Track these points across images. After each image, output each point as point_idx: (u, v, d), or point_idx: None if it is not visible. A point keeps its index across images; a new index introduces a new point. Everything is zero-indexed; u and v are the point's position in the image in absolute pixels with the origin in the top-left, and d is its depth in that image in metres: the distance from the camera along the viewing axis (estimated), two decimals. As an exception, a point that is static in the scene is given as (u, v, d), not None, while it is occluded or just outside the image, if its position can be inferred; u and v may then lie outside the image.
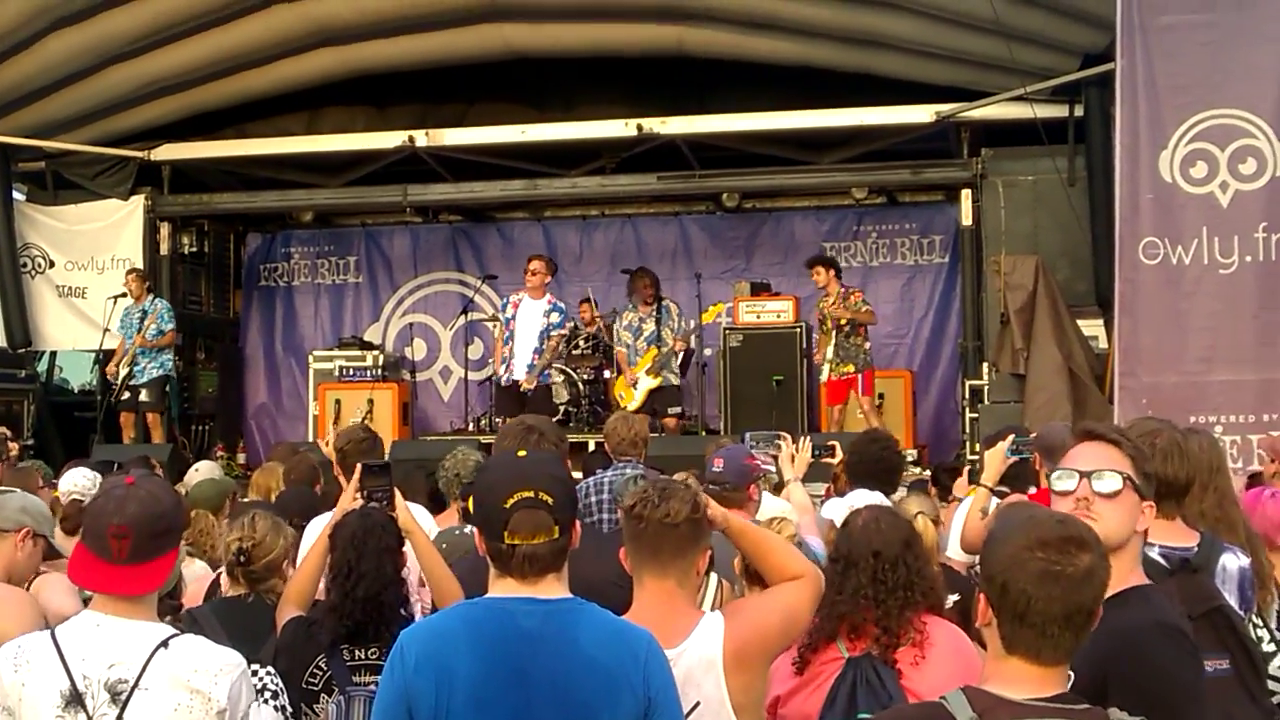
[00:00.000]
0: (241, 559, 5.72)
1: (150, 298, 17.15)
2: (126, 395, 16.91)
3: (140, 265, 17.76)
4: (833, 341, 15.69)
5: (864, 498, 6.59)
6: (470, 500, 4.09)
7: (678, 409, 16.52)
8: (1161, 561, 4.53)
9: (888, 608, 4.80)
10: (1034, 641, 3.24)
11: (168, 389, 17.23)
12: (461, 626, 3.82)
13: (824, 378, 15.99)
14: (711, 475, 6.92)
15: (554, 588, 3.82)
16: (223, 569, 6.61)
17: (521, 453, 4.01)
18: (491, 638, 3.75)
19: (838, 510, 6.58)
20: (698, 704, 4.28)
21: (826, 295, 15.93)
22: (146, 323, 16.85)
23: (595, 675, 3.72)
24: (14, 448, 14.56)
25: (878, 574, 4.84)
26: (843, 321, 15.65)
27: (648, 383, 16.31)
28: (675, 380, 16.57)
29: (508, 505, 3.77)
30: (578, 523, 3.92)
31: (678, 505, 4.36)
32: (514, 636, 3.74)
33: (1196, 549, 4.67)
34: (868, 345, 15.97)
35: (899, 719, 3.53)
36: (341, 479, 8.06)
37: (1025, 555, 3.23)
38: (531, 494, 3.77)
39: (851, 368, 15.69)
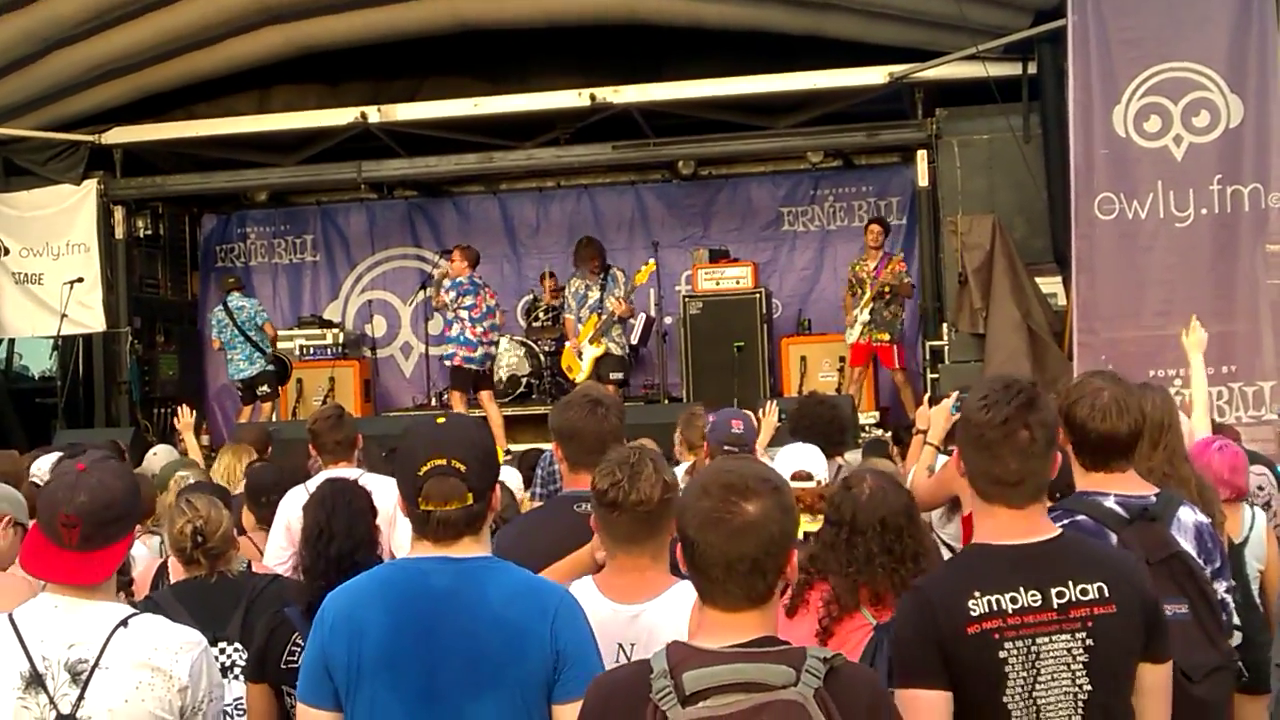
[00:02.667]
0: (199, 540, 5.69)
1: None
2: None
3: (95, 249, 17.73)
4: (871, 305, 15.84)
5: (799, 451, 6.55)
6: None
7: (620, 375, 16.51)
8: (1119, 510, 4.60)
9: (901, 577, 4.77)
10: (712, 589, 3.28)
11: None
12: (376, 586, 3.93)
13: (851, 339, 16.15)
14: (731, 437, 6.91)
15: (470, 548, 3.89)
16: (168, 555, 6.58)
17: (440, 419, 4.05)
18: (402, 596, 3.85)
19: (782, 464, 6.54)
20: None
21: (865, 259, 16.06)
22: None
23: (502, 631, 3.78)
24: None
25: (886, 543, 4.83)
26: (885, 289, 15.80)
27: (591, 351, 16.31)
28: (618, 349, 16.54)
29: (421, 473, 3.84)
30: (498, 488, 3.97)
31: (648, 489, 4.32)
32: (424, 595, 3.83)
33: (1155, 499, 4.71)
34: (904, 315, 16.11)
35: (612, 678, 3.48)
36: (316, 456, 8.11)
37: (694, 504, 3.27)
38: (444, 462, 3.83)
39: (887, 336, 15.91)
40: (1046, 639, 3.75)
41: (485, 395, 15.99)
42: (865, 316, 15.97)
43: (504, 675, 3.77)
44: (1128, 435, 4.74)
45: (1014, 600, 3.75)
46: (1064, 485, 4.74)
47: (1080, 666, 3.75)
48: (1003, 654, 3.71)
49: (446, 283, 16.22)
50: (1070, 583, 3.77)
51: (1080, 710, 3.74)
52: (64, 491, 4.10)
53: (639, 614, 4.33)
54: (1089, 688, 3.75)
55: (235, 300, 17.36)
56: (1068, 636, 3.75)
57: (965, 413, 4.04)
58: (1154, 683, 3.88)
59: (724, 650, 3.19)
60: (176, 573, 6.17)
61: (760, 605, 3.28)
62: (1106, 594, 3.79)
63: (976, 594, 3.72)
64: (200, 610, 5.49)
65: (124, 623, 4.05)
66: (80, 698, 3.98)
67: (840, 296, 17.46)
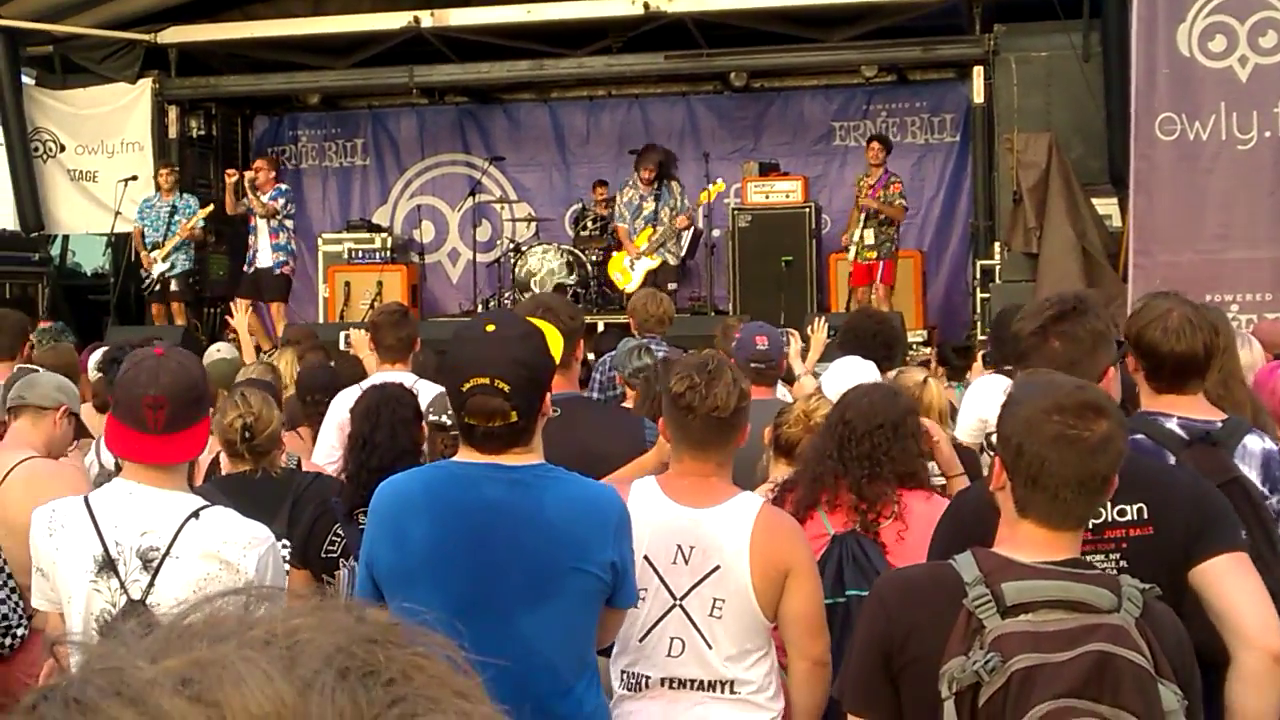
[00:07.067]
0: (247, 435, 5.74)
1: (178, 193, 17.28)
2: (159, 287, 17.08)
3: (149, 148, 17.80)
4: (862, 226, 15.62)
5: (852, 363, 6.53)
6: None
7: (674, 285, 16.46)
8: (1179, 433, 4.52)
9: (854, 477, 4.86)
10: (1046, 506, 3.25)
11: (191, 280, 17.51)
12: (422, 491, 3.87)
13: (852, 258, 15.88)
14: (757, 354, 6.92)
15: (522, 456, 3.81)
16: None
17: (490, 327, 3.88)
18: (452, 505, 3.80)
19: (828, 377, 6.53)
20: (718, 567, 4.30)
21: (868, 176, 15.85)
22: (183, 218, 17.03)
23: (563, 543, 3.75)
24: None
25: (844, 441, 4.91)
26: (872, 212, 15.58)
27: (646, 263, 16.24)
28: (673, 260, 16.48)
29: (464, 390, 3.74)
30: (548, 397, 3.88)
31: (724, 396, 4.29)
32: (475, 504, 3.77)
33: (1221, 425, 4.63)
34: (894, 232, 15.90)
35: (907, 579, 3.51)
36: (373, 351, 8.12)
37: (1042, 419, 3.23)
38: (487, 380, 3.72)
39: (874, 255, 15.62)
40: None
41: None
42: (870, 239, 15.71)
43: (565, 585, 3.76)
44: (1203, 353, 4.69)
45: None
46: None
47: None
48: None
49: (270, 191, 16.30)
50: (1109, 504, 3.73)
51: None
52: (146, 375, 4.12)
53: (701, 519, 4.32)
54: None
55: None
56: (1101, 557, 3.76)
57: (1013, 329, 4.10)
58: (1223, 569, 3.79)
59: (1045, 566, 3.20)
60: (227, 468, 6.23)
61: (1081, 527, 3.33)
62: (1146, 515, 3.80)
63: None
64: (244, 505, 5.51)
65: (195, 514, 4.10)
66: (150, 585, 4.03)
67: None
